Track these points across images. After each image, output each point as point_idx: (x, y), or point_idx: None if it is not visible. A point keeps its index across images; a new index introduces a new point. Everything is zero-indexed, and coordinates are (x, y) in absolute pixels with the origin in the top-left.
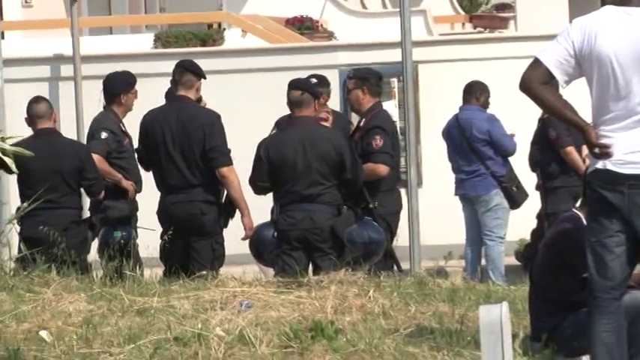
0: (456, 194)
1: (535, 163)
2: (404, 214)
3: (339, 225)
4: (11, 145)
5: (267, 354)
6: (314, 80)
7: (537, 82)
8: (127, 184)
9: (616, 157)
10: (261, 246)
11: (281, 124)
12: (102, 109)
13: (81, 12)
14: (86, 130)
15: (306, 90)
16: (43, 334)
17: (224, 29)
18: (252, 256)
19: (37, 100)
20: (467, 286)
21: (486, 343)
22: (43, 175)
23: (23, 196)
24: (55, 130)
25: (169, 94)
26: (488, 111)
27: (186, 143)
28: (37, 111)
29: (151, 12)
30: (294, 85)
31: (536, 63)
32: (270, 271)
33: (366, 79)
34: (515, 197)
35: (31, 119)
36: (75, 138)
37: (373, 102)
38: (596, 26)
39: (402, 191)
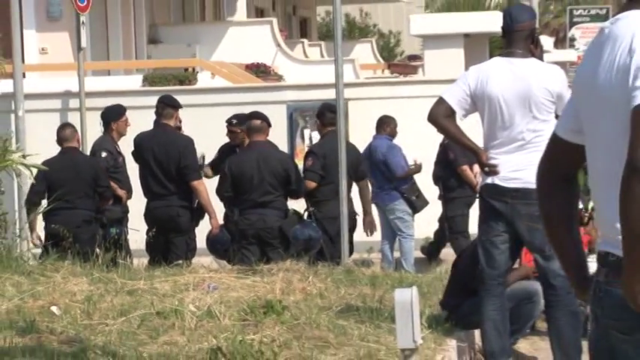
0: (372, 202)
1: (437, 178)
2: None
3: (286, 225)
4: (43, 162)
5: (229, 325)
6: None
7: (442, 116)
8: (121, 192)
9: (502, 174)
10: (217, 244)
11: (223, 149)
12: (101, 134)
13: (85, 57)
14: (89, 151)
15: (263, 120)
16: (54, 309)
17: (197, 72)
18: (210, 251)
19: (63, 126)
20: (384, 273)
21: (400, 318)
22: (67, 181)
23: (48, 199)
24: (77, 148)
25: (155, 122)
26: (398, 138)
27: (165, 161)
28: (65, 134)
29: (141, 58)
30: (254, 116)
31: (441, 101)
32: (223, 262)
33: (322, 114)
34: (416, 204)
35: (60, 140)
36: None
37: (325, 130)
38: (487, 72)
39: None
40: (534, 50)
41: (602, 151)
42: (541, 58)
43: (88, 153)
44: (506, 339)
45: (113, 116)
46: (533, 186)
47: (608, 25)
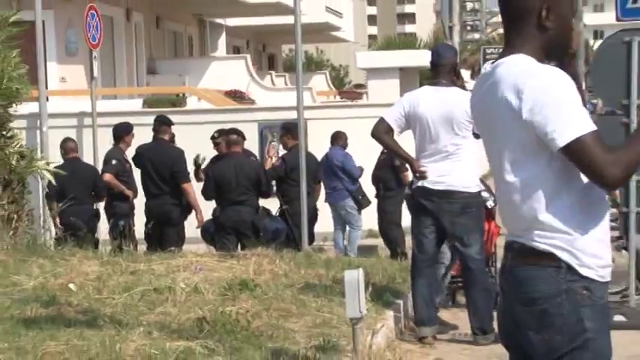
0: (325, 201)
1: (378, 180)
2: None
3: (257, 219)
4: (54, 167)
5: (212, 299)
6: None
7: (383, 132)
8: (128, 192)
9: (430, 179)
10: (206, 233)
11: (214, 160)
12: (112, 146)
13: (97, 85)
14: (100, 160)
15: (239, 135)
16: (71, 285)
17: (186, 97)
18: (202, 238)
19: (67, 139)
20: (336, 258)
21: (348, 294)
22: (74, 184)
23: (61, 198)
24: (79, 157)
25: (153, 137)
26: (348, 149)
27: (161, 167)
28: (70, 146)
29: (141, 85)
30: (232, 131)
31: (382, 120)
32: (211, 247)
33: (289, 130)
34: (361, 202)
35: (66, 151)
36: (92, 164)
37: (293, 143)
38: (418, 98)
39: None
40: (456, 80)
41: (497, 170)
42: (463, 87)
43: (101, 161)
44: (433, 309)
45: (123, 131)
46: (455, 188)
47: (494, 67)
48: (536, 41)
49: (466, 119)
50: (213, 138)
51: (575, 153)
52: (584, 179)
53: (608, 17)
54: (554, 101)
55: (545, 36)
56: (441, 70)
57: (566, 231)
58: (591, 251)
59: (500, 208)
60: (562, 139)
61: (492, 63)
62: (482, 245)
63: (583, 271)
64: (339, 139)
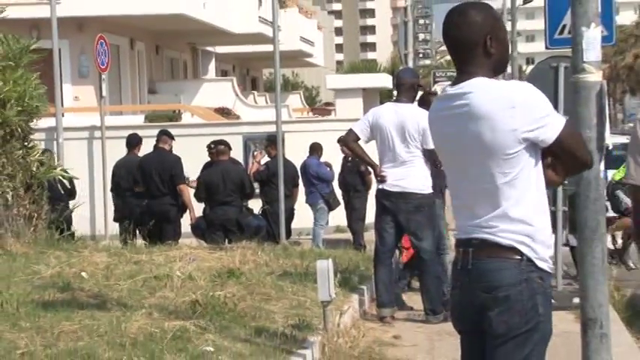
0: (306, 202)
1: (346, 184)
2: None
3: (241, 218)
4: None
5: (203, 285)
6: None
7: (351, 141)
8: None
9: (389, 182)
10: (198, 230)
11: (206, 165)
12: (125, 154)
13: (105, 103)
14: (109, 168)
15: (226, 145)
16: (83, 274)
17: (182, 113)
18: (193, 235)
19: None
20: (309, 250)
21: (320, 280)
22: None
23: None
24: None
25: (154, 146)
26: (322, 158)
27: (161, 172)
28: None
29: (143, 103)
30: (220, 143)
31: (351, 131)
32: (202, 242)
33: (272, 141)
34: (332, 204)
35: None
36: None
37: (275, 152)
38: (381, 112)
39: None
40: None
41: (461, 176)
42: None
43: (109, 168)
44: (392, 293)
45: (136, 142)
46: (410, 190)
47: (461, 93)
48: (486, 65)
49: (419, 132)
50: (209, 147)
51: (563, 140)
52: (542, 183)
53: (538, 46)
54: (539, 106)
55: (491, 60)
56: (401, 90)
57: (530, 225)
58: (546, 244)
59: (456, 209)
60: (554, 131)
61: (451, 85)
62: (434, 239)
63: (539, 264)
64: (315, 150)
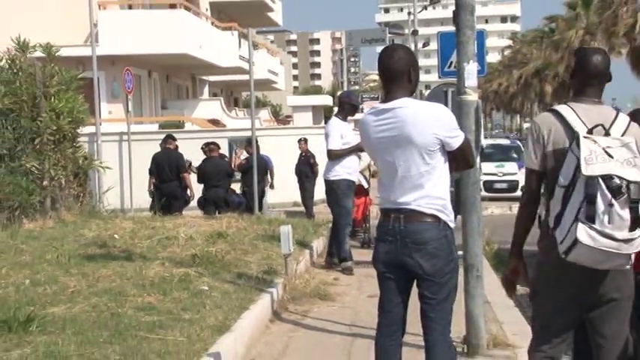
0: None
1: (300, 172)
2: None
3: (227, 196)
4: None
5: (200, 243)
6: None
7: (334, 151)
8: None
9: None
10: (200, 204)
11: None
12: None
13: (131, 115)
14: (134, 162)
15: (216, 145)
16: (116, 236)
17: (184, 123)
18: (198, 207)
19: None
20: (275, 218)
21: (283, 239)
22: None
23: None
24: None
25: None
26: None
27: (168, 165)
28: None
29: (157, 115)
30: (212, 143)
31: (331, 143)
32: (200, 213)
33: (250, 142)
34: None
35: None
36: (127, 168)
37: (252, 150)
38: (339, 124)
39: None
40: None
41: (396, 167)
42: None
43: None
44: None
45: (168, 140)
46: (328, 177)
47: (391, 109)
48: (408, 89)
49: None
50: (202, 148)
51: (463, 148)
52: (448, 173)
53: (433, 77)
54: (453, 122)
55: (411, 85)
56: (343, 108)
57: (444, 199)
58: (451, 212)
59: (392, 189)
60: (459, 141)
61: (382, 103)
62: (347, 212)
63: (450, 225)
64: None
